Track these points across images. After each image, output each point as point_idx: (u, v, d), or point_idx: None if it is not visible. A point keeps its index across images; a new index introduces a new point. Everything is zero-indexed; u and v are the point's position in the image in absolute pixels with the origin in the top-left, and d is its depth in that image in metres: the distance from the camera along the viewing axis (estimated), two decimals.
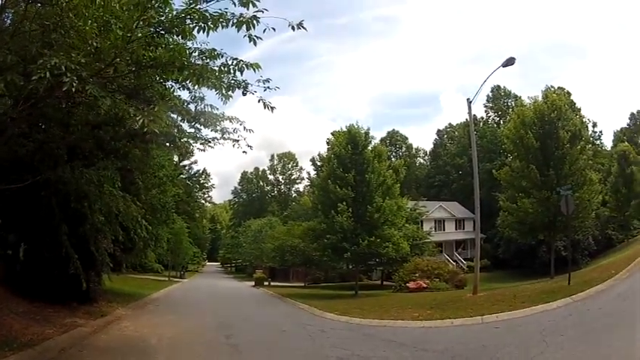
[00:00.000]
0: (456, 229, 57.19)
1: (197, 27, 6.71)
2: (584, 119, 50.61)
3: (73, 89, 5.64)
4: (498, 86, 70.06)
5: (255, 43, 6.64)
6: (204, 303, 23.62)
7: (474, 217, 28.83)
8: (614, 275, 16.00)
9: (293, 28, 6.58)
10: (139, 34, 6.75)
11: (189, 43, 7.42)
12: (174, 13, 6.79)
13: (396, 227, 28.74)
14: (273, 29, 6.46)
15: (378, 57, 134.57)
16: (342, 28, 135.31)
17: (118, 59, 6.80)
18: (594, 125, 63.47)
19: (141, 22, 6.55)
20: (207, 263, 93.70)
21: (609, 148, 60.90)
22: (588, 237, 39.38)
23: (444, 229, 55.29)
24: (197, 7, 6.54)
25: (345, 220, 26.66)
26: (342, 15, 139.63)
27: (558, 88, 51.89)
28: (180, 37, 7.10)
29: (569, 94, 51.50)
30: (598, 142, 63.33)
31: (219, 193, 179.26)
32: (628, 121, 66.10)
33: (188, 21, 6.70)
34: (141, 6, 6.43)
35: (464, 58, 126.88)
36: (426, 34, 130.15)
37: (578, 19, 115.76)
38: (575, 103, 49.97)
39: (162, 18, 6.80)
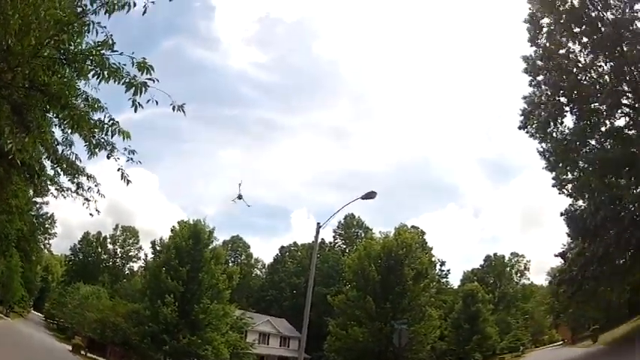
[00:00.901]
0: (280, 346, 56.88)
1: (94, 71, 6.85)
2: (433, 258, 54.72)
3: None
4: (352, 215, 72.99)
5: (136, 110, 6.78)
6: (25, 349, 22.15)
7: (300, 336, 29.10)
8: None
9: (174, 108, 6.77)
10: (46, 53, 6.81)
11: (81, 84, 7.56)
12: (82, 47, 6.94)
13: (219, 332, 28.44)
14: (156, 102, 6.65)
15: (244, 158, 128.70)
16: (225, 119, 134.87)
17: (19, 68, 6.76)
18: (442, 264, 68.17)
19: (52, 42, 6.61)
20: (33, 311, 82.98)
21: (456, 287, 65.51)
22: None
23: (268, 344, 54.74)
24: (102, 50, 6.68)
25: (170, 313, 26.02)
26: (231, 107, 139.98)
27: (412, 226, 55.71)
28: (76, 74, 7.27)
29: (423, 233, 56.24)
30: (445, 280, 67.92)
31: (58, 244, 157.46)
32: (482, 262, 72.99)
33: (88, 62, 6.84)
34: (60, 25, 6.45)
35: (326, 181, 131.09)
36: (297, 148, 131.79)
37: (447, 162, 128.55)
38: (427, 242, 54.49)
39: (71, 47, 6.93)
